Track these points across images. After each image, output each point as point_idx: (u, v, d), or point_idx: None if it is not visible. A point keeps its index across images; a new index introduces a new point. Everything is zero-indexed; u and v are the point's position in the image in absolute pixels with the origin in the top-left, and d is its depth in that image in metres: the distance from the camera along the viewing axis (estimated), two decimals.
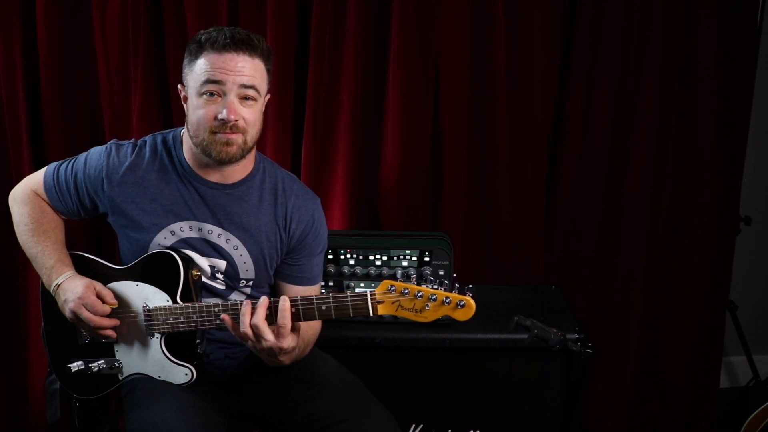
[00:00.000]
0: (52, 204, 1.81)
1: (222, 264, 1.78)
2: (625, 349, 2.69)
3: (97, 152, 1.79)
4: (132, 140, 1.81)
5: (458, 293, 1.52)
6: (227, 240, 1.76)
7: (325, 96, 2.41)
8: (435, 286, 1.53)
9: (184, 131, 1.76)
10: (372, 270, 2.15)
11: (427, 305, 1.52)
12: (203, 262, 1.77)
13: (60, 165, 1.81)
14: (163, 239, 1.74)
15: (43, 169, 1.83)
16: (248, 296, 1.84)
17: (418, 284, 1.53)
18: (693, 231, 2.64)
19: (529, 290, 2.46)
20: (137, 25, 2.31)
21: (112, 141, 1.80)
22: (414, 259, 2.15)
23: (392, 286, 1.53)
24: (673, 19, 2.47)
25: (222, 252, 1.77)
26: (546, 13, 2.44)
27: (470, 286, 1.53)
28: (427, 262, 2.14)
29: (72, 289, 1.68)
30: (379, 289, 1.55)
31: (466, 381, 2.16)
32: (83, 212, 1.82)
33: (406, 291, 1.52)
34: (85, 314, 1.65)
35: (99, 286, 1.70)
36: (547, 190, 2.61)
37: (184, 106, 1.73)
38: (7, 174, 2.40)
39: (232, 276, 1.79)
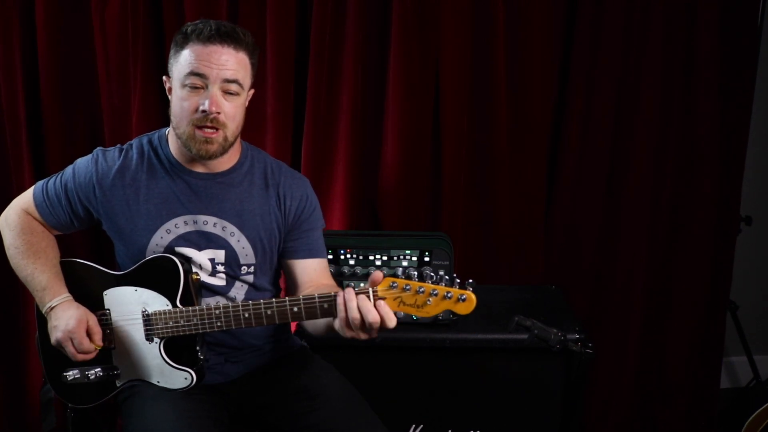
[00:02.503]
0: (44, 219, 1.80)
1: (221, 254, 1.78)
2: (625, 349, 2.69)
3: (84, 161, 1.80)
4: (117, 146, 1.81)
5: (459, 287, 1.53)
6: (223, 228, 1.77)
7: (325, 96, 2.41)
8: (436, 282, 1.54)
9: (169, 129, 1.78)
10: (372, 270, 2.15)
11: (429, 300, 1.52)
12: (202, 257, 1.77)
13: (48, 180, 1.82)
14: (160, 239, 1.74)
15: (31, 188, 1.83)
16: (251, 285, 1.83)
17: (419, 280, 1.53)
18: (693, 231, 2.64)
19: (529, 290, 2.45)
20: (137, 25, 2.31)
21: (97, 149, 1.81)
22: (414, 259, 2.14)
23: (394, 282, 1.54)
24: (673, 19, 2.47)
25: (219, 241, 1.77)
26: (546, 13, 2.44)
27: (471, 280, 1.54)
28: (427, 262, 2.14)
29: (65, 318, 1.67)
30: (381, 286, 1.55)
31: (466, 381, 2.15)
32: (76, 222, 1.82)
33: (407, 287, 1.52)
34: (70, 349, 1.66)
35: (92, 321, 1.69)
36: (547, 190, 2.61)
37: (169, 96, 1.73)
38: (6, 174, 2.40)
39: (232, 264, 1.79)
